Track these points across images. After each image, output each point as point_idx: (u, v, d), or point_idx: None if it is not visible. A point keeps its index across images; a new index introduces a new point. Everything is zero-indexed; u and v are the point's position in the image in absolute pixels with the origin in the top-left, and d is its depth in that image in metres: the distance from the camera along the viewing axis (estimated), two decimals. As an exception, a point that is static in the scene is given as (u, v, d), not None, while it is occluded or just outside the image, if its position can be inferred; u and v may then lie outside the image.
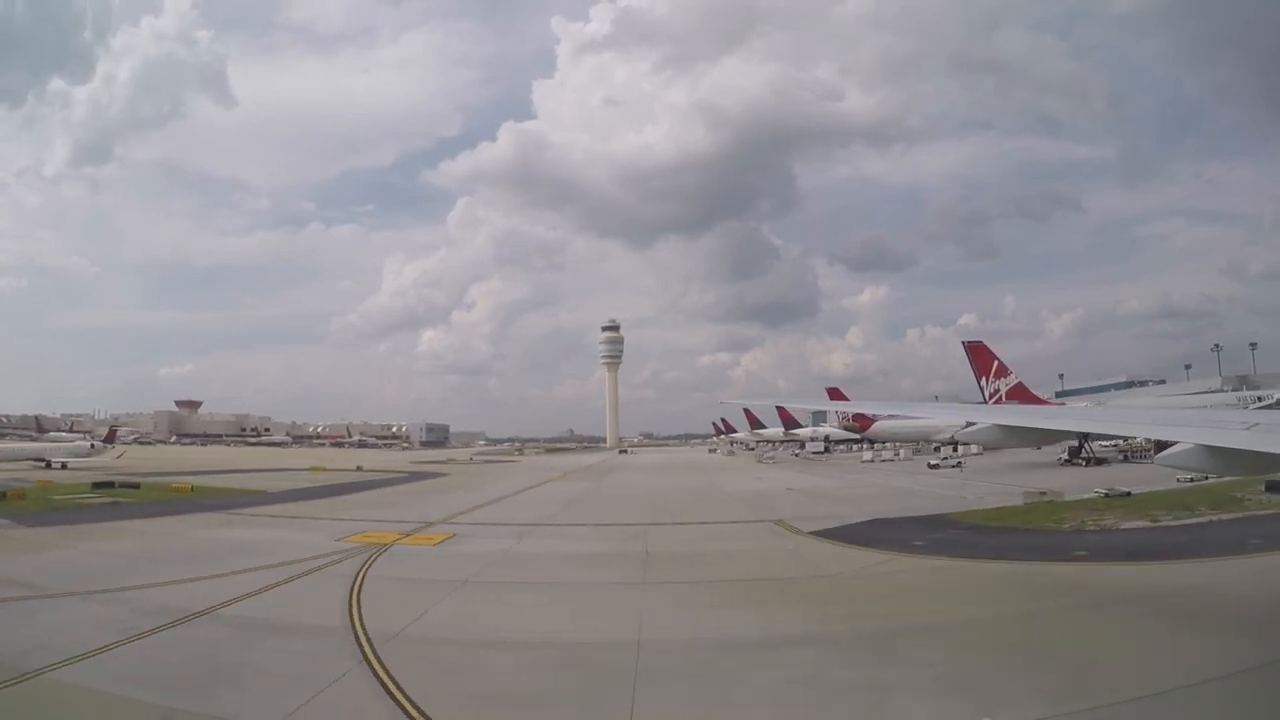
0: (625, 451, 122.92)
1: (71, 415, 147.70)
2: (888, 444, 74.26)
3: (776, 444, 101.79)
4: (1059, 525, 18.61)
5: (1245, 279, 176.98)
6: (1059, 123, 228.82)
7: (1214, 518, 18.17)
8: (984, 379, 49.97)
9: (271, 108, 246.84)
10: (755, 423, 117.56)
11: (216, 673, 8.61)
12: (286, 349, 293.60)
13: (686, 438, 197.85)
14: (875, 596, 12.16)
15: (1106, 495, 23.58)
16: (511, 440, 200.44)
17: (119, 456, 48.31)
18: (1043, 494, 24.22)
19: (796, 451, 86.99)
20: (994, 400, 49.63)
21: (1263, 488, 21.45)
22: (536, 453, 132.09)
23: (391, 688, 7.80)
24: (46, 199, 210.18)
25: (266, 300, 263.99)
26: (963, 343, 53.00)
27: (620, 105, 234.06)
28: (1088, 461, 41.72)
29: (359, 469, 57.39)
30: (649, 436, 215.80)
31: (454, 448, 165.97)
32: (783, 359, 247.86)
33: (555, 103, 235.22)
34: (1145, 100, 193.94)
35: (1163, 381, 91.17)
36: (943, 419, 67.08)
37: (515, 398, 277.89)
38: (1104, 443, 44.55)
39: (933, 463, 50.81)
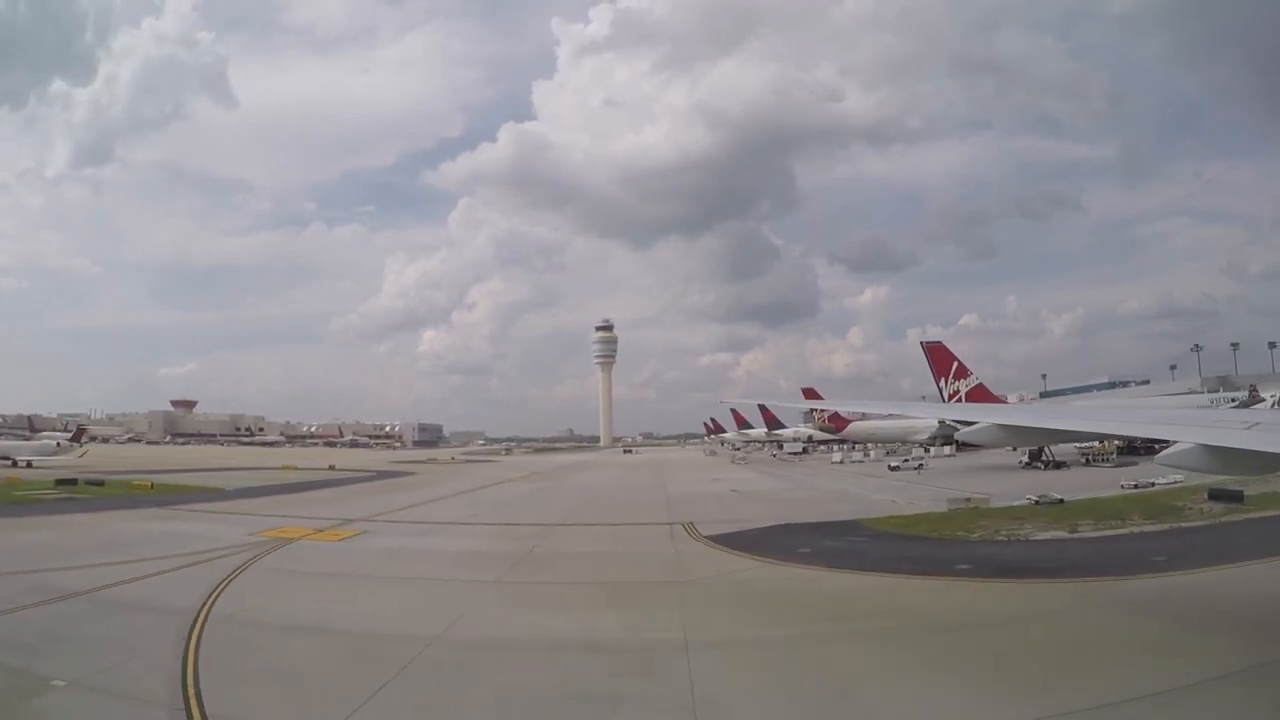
0: (629, 451, 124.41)
1: (68, 415, 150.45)
2: (862, 445, 75.45)
3: (763, 444, 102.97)
4: (967, 534, 18.25)
5: (1245, 279, 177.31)
6: (1059, 123, 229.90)
7: (1137, 529, 17.64)
8: (943, 380, 50.97)
9: (273, 108, 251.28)
10: (743, 423, 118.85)
11: (60, 638, 10.15)
12: (287, 349, 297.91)
13: (685, 438, 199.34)
14: (705, 606, 12.39)
15: (1037, 502, 23.21)
16: (510, 440, 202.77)
17: (81, 455, 50.25)
18: (968, 500, 24.09)
19: (775, 452, 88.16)
20: (953, 401, 50.70)
21: (1205, 496, 21.16)
22: (525, 453, 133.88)
23: (190, 656, 9.20)
24: (48, 200, 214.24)
25: (268, 300, 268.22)
26: (921, 343, 54.10)
27: (620, 106, 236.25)
28: (1046, 465, 42.31)
29: (331, 468, 59.16)
30: (648, 436, 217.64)
31: (452, 447, 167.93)
32: (783, 359, 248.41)
33: (555, 103, 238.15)
34: (1145, 100, 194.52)
35: (1146, 382, 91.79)
36: (920, 420, 68.50)
37: (516, 398, 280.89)
38: (1081, 444, 45.22)
39: (893, 464, 51.54)
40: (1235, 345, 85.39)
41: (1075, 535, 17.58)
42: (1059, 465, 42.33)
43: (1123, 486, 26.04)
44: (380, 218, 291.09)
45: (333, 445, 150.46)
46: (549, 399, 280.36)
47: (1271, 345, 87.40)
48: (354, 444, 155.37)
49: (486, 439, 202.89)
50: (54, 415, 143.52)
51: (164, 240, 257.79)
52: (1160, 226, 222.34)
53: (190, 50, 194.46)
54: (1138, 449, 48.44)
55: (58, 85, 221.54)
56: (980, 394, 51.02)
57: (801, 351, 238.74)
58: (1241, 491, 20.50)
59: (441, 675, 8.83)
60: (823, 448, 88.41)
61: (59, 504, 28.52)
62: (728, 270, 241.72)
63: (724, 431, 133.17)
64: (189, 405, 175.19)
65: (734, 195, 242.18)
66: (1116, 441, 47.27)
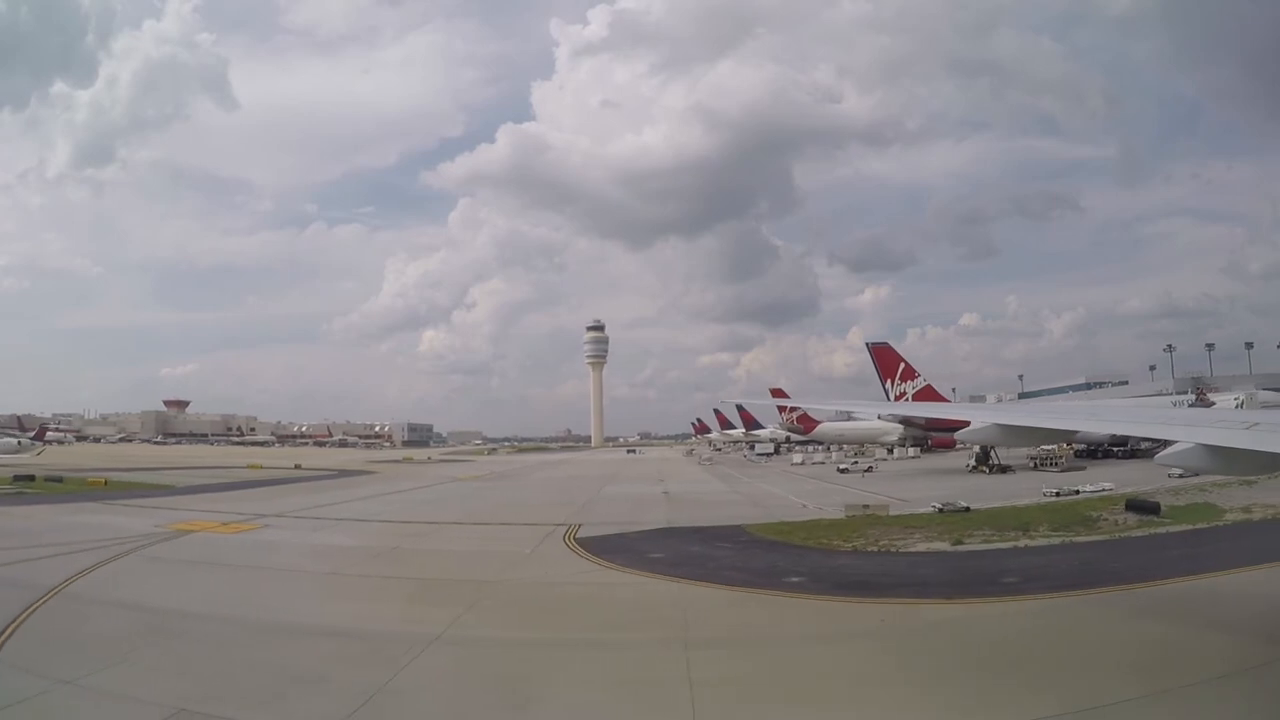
0: (633, 451, 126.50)
1: (62, 415, 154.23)
2: (831, 446, 76.85)
3: (744, 444, 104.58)
4: (839, 544, 18.08)
5: (1245, 278, 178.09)
6: (1058, 123, 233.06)
7: (1024, 544, 17.14)
8: (889, 381, 52.42)
9: (274, 109, 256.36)
10: (725, 423, 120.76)
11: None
12: (288, 349, 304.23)
13: (683, 438, 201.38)
14: (490, 607, 12.91)
15: (941, 510, 22.98)
16: (508, 440, 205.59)
17: (38, 454, 52.71)
18: (865, 507, 23.85)
19: (745, 453, 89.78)
20: (899, 402, 52.18)
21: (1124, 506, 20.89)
22: (510, 453, 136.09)
23: (15, 622, 11.00)
24: (49, 200, 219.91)
25: (269, 300, 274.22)
26: (867, 344, 55.60)
27: (619, 107, 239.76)
28: (992, 469, 42.84)
29: (297, 467, 61.41)
30: (646, 436, 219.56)
31: (448, 447, 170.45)
32: (784, 359, 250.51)
33: (555, 104, 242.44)
34: (1144, 100, 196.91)
35: (1125, 383, 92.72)
36: (882, 421, 69.66)
37: (516, 397, 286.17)
38: (1047, 446, 45.62)
39: (842, 467, 52.26)
40: (1210, 346, 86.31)
41: (956, 548, 17.01)
42: (1004, 469, 42.63)
43: (1045, 494, 26.11)
44: (381, 218, 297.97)
45: (322, 445, 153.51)
46: (550, 399, 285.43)
47: (1248, 345, 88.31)
48: (343, 444, 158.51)
49: (484, 439, 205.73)
50: (48, 415, 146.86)
51: (165, 240, 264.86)
52: (1160, 226, 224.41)
53: (191, 51, 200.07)
54: (1094, 452, 49.60)
55: (59, 87, 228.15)
56: (928, 394, 52.46)
57: (802, 351, 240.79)
58: (1158, 504, 20.35)
59: (196, 646, 10.36)
60: (800, 447, 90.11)
61: (5, 498, 30.71)
62: (728, 270, 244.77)
63: (709, 431, 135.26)
64: (181, 405, 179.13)
65: (733, 195, 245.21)
66: (1070, 446, 48.52)
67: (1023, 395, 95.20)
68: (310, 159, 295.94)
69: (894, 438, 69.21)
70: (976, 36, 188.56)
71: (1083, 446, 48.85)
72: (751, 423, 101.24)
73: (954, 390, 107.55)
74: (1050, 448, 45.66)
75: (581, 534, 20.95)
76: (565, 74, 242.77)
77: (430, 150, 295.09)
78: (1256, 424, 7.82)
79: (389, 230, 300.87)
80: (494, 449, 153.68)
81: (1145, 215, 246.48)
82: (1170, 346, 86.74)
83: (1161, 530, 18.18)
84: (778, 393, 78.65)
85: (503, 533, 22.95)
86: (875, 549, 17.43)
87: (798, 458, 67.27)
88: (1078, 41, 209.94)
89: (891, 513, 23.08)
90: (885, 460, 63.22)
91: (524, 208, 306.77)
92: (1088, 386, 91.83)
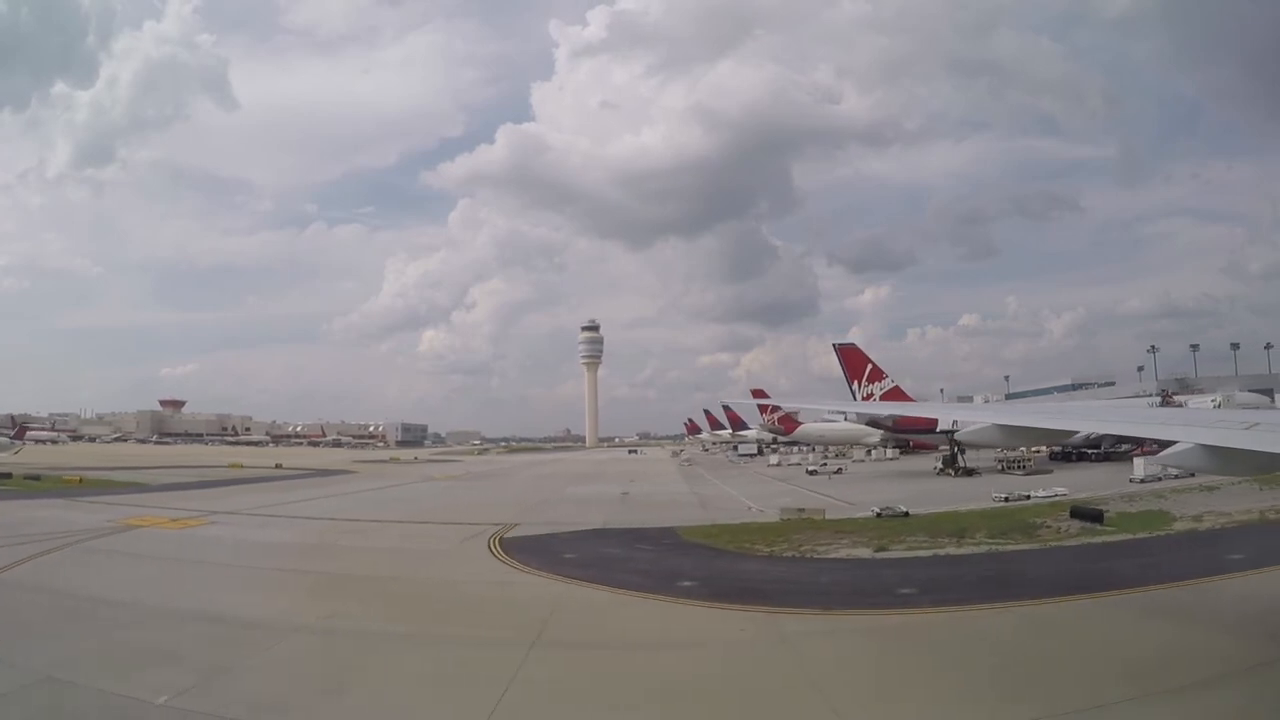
0: (634, 451, 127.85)
1: (59, 415, 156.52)
2: (811, 447, 77.71)
3: (730, 445, 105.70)
4: (757, 549, 18.25)
5: (1245, 278, 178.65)
6: (1058, 124, 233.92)
7: (947, 552, 17.08)
8: (856, 383, 53.14)
9: (274, 109, 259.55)
10: (715, 424, 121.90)
11: None
12: (288, 349, 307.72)
13: (681, 438, 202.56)
14: (372, 599, 13.78)
15: (879, 515, 23.00)
16: (506, 440, 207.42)
17: (16, 453, 54.38)
18: (801, 510, 23.92)
19: (728, 454, 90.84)
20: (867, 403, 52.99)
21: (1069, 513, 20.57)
22: (501, 453, 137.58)
23: None
24: (50, 200, 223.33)
25: (269, 300, 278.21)
26: (834, 345, 56.13)
27: (618, 108, 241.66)
28: (957, 472, 43.06)
29: (277, 466, 62.90)
30: (645, 436, 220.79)
31: (443, 447, 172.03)
32: (784, 359, 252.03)
33: (554, 105, 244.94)
34: (1144, 100, 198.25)
35: (1111, 384, 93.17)
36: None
37: (516, 397, 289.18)
38: (1025, 448, 45.83)
39: (811, 469, 52.89)
40: (1195, 346, 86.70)
41: (875, 555, 17.00)
42: (970, 472, 42.73)
43: (994, 498, 26.16)
44: (381, 218, 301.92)
45: (316, 445, 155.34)
46: (549, 399, 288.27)
47: (1234, 346, 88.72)
48: (336, 444, 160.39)
49: (482, 439, 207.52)
50: (45, 415, 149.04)
51: (165, 240, 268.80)
52: (1160, 226, 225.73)
53: (191, 52, 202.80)
54: (1069, 455, 50.04)
55: (60, 87, 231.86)
56: (895, 396, 53.29)
57: (803, 351, 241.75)
58: (1101, 511, 20.06)
59: (89, 626, 11.56)
60: (781, 449, 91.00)
61: (-23, 496, 32.16)
62: (727, 270, 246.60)
63: (700, 432, 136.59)
64: (177, 405, 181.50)
65: (733, 196, 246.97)
66: (1038, 448, 49.02)
67: (1010, 396, 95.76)
68: (310, 159, 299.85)
69: (875, 439, 69.80)
70: (976, 37, 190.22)
71: (1057, 449, 49.50)
72: (738, 423, 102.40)
73: (941, 391, 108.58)
74: (1020, 451, 46.64)
75: (514, 533, 21.65)
76: (565, 74, 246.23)
77: (430, 150, 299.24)
78: (1256, 424, 7.80)
79: (389, 230, 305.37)
80: (486, 449, 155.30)
81: (1145, 215, 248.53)
82: (1154, 347, 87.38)
83: (1098, 540, 17.90)
84: (758, 393, 79.57)
85: (437, 531, 23.97)
86: (793, 554, 17.49)
87: (774, 459, 68.25)
88: (1077, 42, 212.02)
89: (829, 516, 23.13)
90: (862, 462, 63.94)
91: (524, 208, 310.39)
92: (1073, 387, 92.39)
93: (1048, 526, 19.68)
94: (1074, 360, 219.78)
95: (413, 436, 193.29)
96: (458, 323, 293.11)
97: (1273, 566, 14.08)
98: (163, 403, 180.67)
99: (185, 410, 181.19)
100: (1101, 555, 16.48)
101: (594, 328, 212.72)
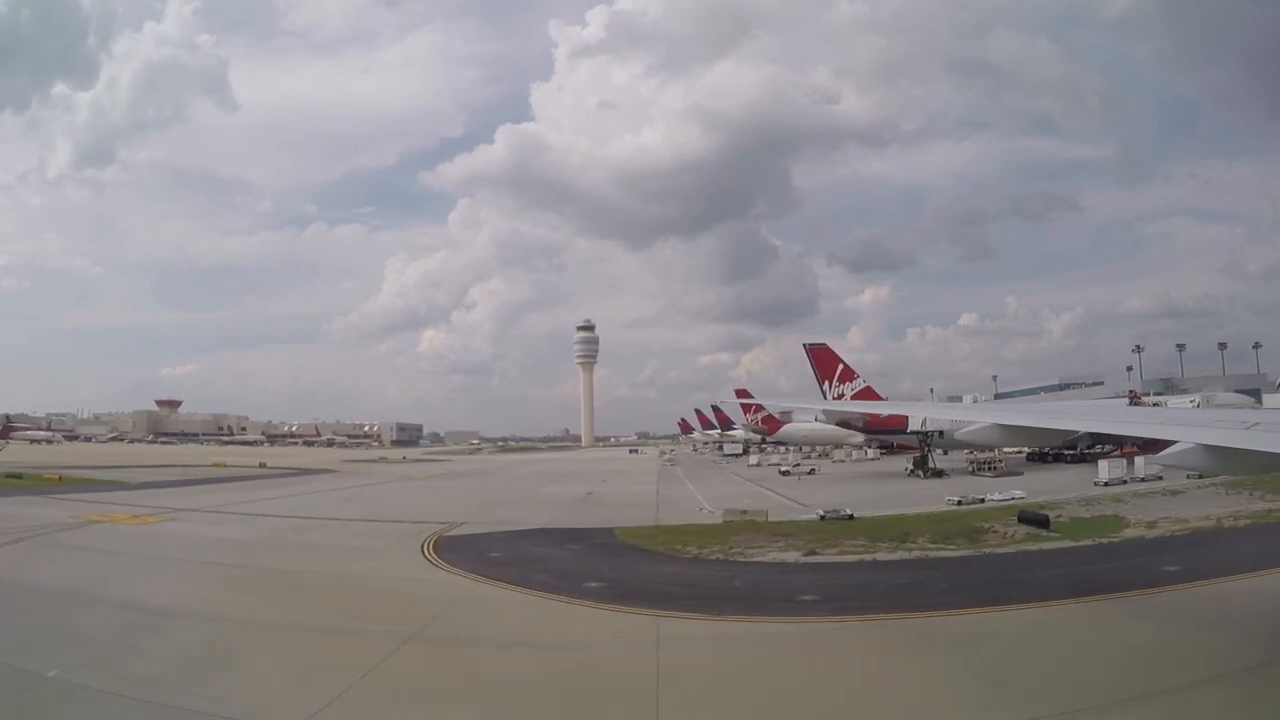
0: (635, 451, 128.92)
1: (56, 414, 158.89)
2: (796, 447, 78.55)
3: (715, 445, 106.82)
4: (693, 550, 18.63)
5: (1245, 278, 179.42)
6: (1057, 124, 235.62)
7: (874, 558, 17.31)
8: (827, 383, 53.57)
9: (274, 109, 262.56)
10: (706, 423, 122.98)
11: None
12: (288, 349, 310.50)
13: (677, 437, 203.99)
14: (284, 590, 15.00)
15: (823, 518, 23.12)
16: (506, 440, 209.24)
17: None
18: (744, 512, 24.37)
19: (714, 454, 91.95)
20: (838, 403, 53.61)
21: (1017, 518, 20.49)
22: (492, 452, 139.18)
23: None
24: (50, 201, 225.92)
25: (269, 300, 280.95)
26: (804, 345, 56.08)
27: (617, 108, 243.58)
28: (926, 473, 43.41)
29: (261, 465, 64.46)
30: (643, 436, 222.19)
31: (437, 447, 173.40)
32: (784, 359, 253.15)
33: (554, 105, 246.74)
34: (1142, 101, 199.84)
35: (1100, 383, 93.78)
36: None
37: (516, 397, 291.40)
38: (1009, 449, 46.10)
39: (784, 469, 54.08)
40: (1181, 346, 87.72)
41: (803, 559, 17.27)
42: (939, 474, 43.19)
43: (948, 501, 26.39)
44: (381, 218, 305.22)
45: (310, 445, 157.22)
46: (549, 399, 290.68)
47: (1222, 346, 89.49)
48: (330, 443, 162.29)
49: (480, 439, 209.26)
50: (42, 415, 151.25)
51: (165, 241, 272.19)
52: (1160, 226, 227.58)
53: (191, 53, 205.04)
54: (1045, 456, 50.53)
55: (60, 88, 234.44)
56: (867, 395, 53.93)
57: (802, 351, 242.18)
58: (1047, 516, 19.90)
59: (10, 609, 13.04)
60: (767, 448, 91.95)
61: (-45, 494, 33.60)
62: (727, 270, 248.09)
63: (693, 432, 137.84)
64: (173, 405, 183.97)
65: (732, 196, 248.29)
66: (1019, 450, 49.49)
67: (999, 396, 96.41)
68: (310, 159, 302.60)
69: (859, 440, 70.57)
70: (974, 37, 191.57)
71: (1034, 450, 50.00)
72: (728, 424, 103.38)
73: (931, 391, 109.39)
74: (991, 454, 47.25)
75: (457, 532, 22.67)
76: (564, 75, 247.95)
77: (430, 150, 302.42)
78: (1256, 424, 7.85)
79: (389, 230, 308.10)
80: (479, 449, 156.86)
81: (1145, 215, 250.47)
82: (1139, 347, 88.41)
83: (1036, 547, 17.68)
84: (741, 393, 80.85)
85: (383, 529, 24.95)
86: (719, 557, 17.85)
87: (753, 459, 69.27)
88: (1076, 42, 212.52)
89: (778, 519, 23.44)
90: (843, 463, 64.93)
91: (523, 208, 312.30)
92: (1061, 387, 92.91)
93: (994, 531, 19.54)
94: (1074, 360, 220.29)
95: (408, 436, 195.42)
96: (457, 323, 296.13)
97: (1209, 580, 13.66)
98: (159, 403, 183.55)
99: (182, 410, 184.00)
100: (1032, 563, 16.33)
101: (589, 328, 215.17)
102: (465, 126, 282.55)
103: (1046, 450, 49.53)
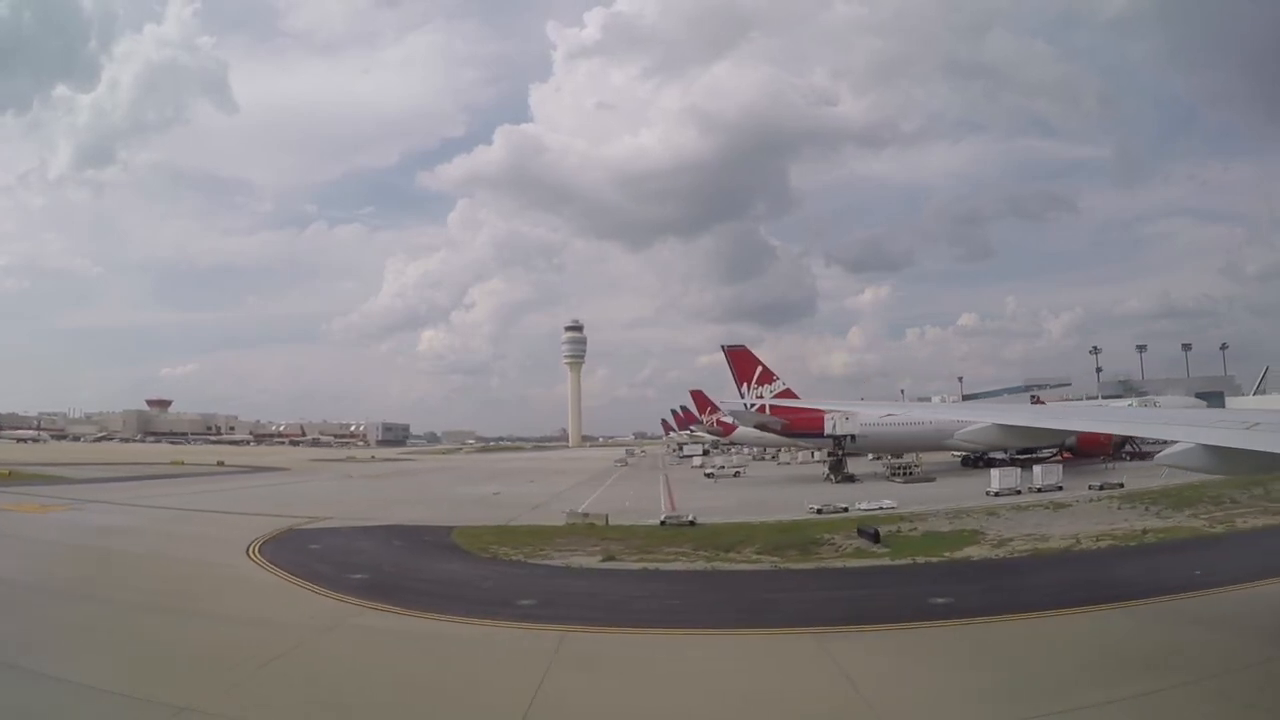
0: (631, 452, 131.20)
1: (48, 414, 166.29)
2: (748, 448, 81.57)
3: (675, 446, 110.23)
4: (507, 552, 19.46)
5: (1244, 279, 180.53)
6: (1055, 125, 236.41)
7: (669, 568, 17.50)
8: (745, 385, 55.45)
9: (274, 110, 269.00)
10: (682, 423, 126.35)
11: None
12: (288, 349, 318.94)
13: (660, 437, 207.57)
14: (105, 575, 17.17)
15: (663, 523, 23.89)
16: (500, 439, 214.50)
17: None
18: (585, 516, 25.46)
19: (674, 453, 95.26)
20: (756, 409, 55.72)
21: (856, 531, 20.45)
22: (472, 451, 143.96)
23: None
24: (50, 201, 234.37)
25: (269, 300, 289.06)
26: (722, 347, 56.91)
27: (615, 109, 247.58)
28: (839, 479, 43.90)
29: (220, 464, 69.38)
30: (642, 436, 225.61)
31: (420, 446, 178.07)
32: (783, 359, 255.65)
33: (552, 106, 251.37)
34: (1141, 101, 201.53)
35: (1067, 384, 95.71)
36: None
37: (515, 397, 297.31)
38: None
39: (708, 471, 56.42)
40: (1142, 347, 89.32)
41: (600, 565, 17.66)
42: (851, 479, 43.65)
43: (808, 509, 26.51)
44: (381, 218, 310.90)
45: (296, 444, 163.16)
46: (549, 399, 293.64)
47: (1185, 347, 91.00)
48: (315, 443, 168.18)
49: (476, 438, 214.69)
50: (33, 415, 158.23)
51: (165, 241, 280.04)
52: (1159, 227, 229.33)
53: (191, 54, 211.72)
54: (977, 461, 51.54)
55: (61, 90, 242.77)
56: (787, 398, 55.39)
57: (801, 351, 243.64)
58: (878, 531, 19.82)
59: None
60: (727, 450, 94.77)
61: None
62: (726, 271, 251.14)
63: (672, 432, 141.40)
64: (164, 405, 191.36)
65: (731, 196, 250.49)
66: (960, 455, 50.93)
67: (966, 397, 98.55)
68: (310, 159, 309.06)
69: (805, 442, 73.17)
70: (972, 38, 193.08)
71: (968, 456, 50.73)
72: (694, 423, 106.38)
73: (902, 392, 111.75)
74: (909, 459, 48.65)
75: (310, 526, 25.19)
76: (562, 76, 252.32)
77: (430, 150, 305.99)
78: (1256, 424, 7.96)
79: (389, 230, 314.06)
80: (459, 449, 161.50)
81: (1144, 216, 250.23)
82: (1096, 348, 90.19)
83: (855, 564, 17.41)
84: (697, 394, 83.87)
85: (250, 522, 26.21)
86: (517, 558, 18.86)
87: (696, 461, 72.15)
88: (1074, 43, 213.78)
89: (625, 523, 24.46)
90: (788, 465, 67.56)
91: (522, 208, 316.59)
92: (1024, 388, 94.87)
93: (830, 543, 19.40)
94: (1074, 360, 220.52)
95: (394, 436, 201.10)
96: (457, 323, 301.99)
97: (972, 618, 12.17)
98: (149, 402, 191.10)
99: (172, 410, 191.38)
100: (827, 582, 16.00)
101: (577, 328, 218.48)
102: (465, 127, 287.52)
103: (978, 456, 49.48)
